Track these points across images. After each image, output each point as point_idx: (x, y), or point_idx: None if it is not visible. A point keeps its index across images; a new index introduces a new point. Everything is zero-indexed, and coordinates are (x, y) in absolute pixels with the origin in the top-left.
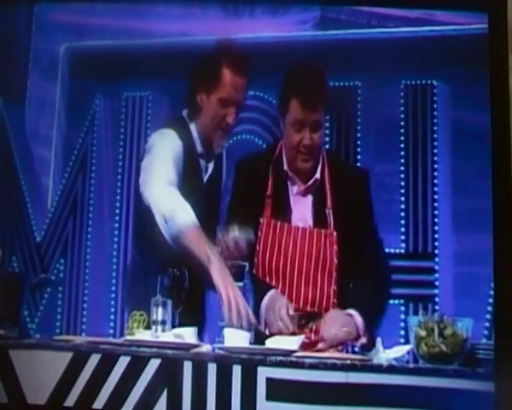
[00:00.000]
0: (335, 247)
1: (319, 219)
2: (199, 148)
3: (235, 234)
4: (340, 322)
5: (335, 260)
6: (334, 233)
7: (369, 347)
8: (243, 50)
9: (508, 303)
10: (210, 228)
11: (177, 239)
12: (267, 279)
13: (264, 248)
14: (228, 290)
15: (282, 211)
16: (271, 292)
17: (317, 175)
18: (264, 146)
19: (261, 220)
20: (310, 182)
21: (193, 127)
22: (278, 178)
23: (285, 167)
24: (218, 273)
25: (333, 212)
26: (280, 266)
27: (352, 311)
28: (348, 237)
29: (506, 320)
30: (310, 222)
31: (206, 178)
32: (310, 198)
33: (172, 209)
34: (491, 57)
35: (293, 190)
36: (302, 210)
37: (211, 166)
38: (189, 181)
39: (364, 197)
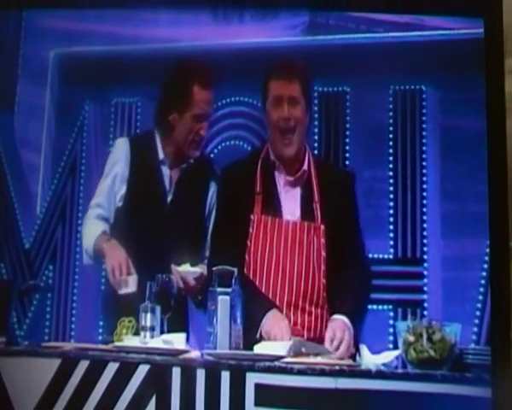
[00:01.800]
0: (323, 240)
1: (307, 212)
2: (160, 155)
3: (186, 270)
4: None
5: (323, 254)
6: (322, 227)
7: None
8: (207, 64)
9: (503, 308)
10: (177, 229)
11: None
12: (258, 275)
13: (256, 245)
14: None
15: (273, 205)
16: (272, 312)
17: (305, 167)
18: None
19: (252, 217)
20: (298, 174)
21: (157, 136)
22: (266, 171)
23: (272, 157)
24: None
25: (320, 206)
26: (272, 261)
27: (346, 320)
28: (335, 231)
29: (501, 325)
30: (298, 215)
31: (170, 184)
32: (298, 190)
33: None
34: (486, 62)
35: (281, 181)
36: (291, 202)
37: (176, 173)
38: (147, 185)
39: (350, 195)
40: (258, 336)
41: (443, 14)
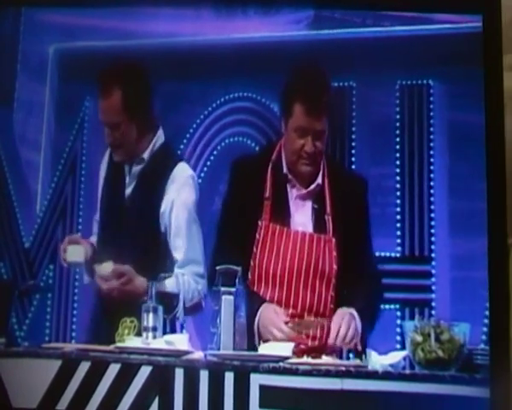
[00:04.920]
0: (334, 253)
1: (318, 224)
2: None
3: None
4: (347, 322)
5: (335, 267)
6: (333, 239)
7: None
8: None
9: (502, 307)
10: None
11: None
12: (263, 283)
13: (262, 252)
14: None
15: (282, 214)
16: (264, 306)
17: (319, 180)
18: (257, 148)
19: (259, 223)
20: (311, 187)
21: None
22: (277, 180)
23: (284, 170)
24: None
25: (332, 218)
26: (278, 271)
27: (353, 311)
28: (346, 244)
29: (500, 324)
30: (309, 227)
31: (128, 181)
32: (309, 203)
33: None
34: (485, 58)
35: (293, 193)
36: (301, 215)
37: (136, 170)
38: (111, 180)
39: (363, 205)
40: (256, 339)
41: (443, 11)
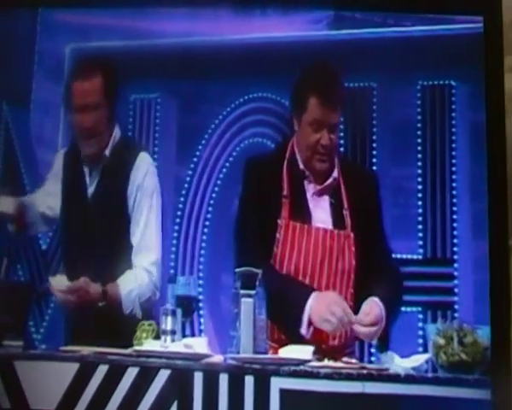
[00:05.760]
0: (353, 248)
1: (337, 220)
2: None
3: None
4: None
5: (353, 262)
6: (352, 235)
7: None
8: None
9: (503, 308)
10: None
11: None
12: None
13: (283, 251)
14: None
15: (301, 212)
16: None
17: (335, 174)
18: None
19: (279, 222)
20: (328, 181)
21: None
22: (294, 177)
23: (301, 166)
24: None
25: (350, 212)
26: (300, 269)
27: (378, 300)
28: (364, 239)
29: (502, 327)
30: (329, 223)
31: (90, 181)
32: (326, 199)
33: None
34: (486, 60)
35: (310, 189)
36: (321, 211)
37: (98, 168)
38: (72, 184)
39: (375, 200)
40: (305, 327)
41: (443, 13)
